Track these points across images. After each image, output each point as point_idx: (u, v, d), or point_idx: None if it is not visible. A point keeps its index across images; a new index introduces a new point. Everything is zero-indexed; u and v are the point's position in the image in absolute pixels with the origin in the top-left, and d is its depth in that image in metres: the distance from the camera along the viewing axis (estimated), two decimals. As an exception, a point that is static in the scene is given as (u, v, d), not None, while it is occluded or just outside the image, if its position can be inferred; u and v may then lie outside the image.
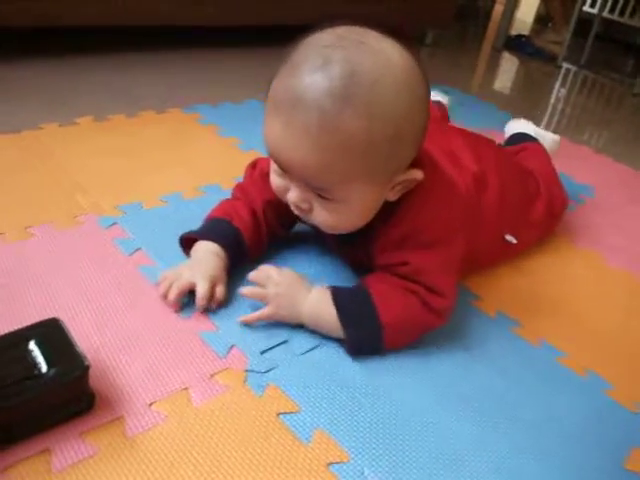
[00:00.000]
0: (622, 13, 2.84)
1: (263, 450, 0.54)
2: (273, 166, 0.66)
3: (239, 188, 0.81)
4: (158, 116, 1.21)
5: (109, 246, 0.77)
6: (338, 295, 0.67)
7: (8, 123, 1.06)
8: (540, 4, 3.61)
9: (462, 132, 0.96)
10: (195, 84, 1.46)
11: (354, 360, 0.66)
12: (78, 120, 1.13)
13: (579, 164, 1.40)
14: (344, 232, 0.68)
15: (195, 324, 0.66)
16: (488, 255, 0.86)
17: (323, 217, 0.65)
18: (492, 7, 3.47)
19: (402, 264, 0.68)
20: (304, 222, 0.72)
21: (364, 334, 0.66)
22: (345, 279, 0.77)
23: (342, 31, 0.61)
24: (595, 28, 2.74)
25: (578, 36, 2.61)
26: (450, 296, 0.69)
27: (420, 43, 2.36)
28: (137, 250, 0.77)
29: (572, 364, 0.73)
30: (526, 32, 3.10)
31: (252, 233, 0.75)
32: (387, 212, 0.68)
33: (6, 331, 0.55)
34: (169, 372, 0.60)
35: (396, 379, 0.65)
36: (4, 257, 0.72)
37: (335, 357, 0.66)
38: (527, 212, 0.92)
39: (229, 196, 0.81)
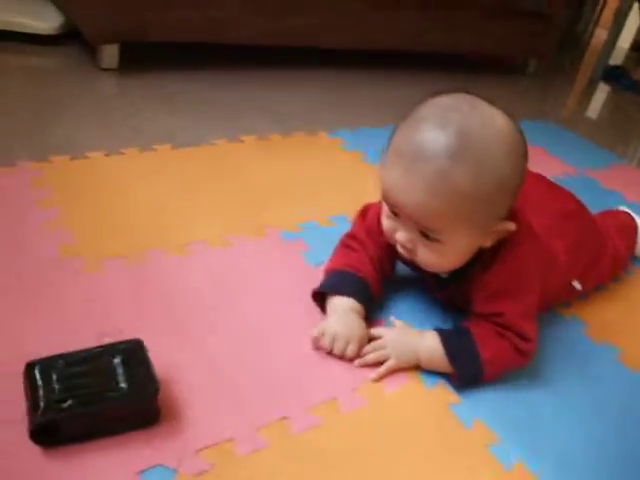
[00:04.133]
0: None
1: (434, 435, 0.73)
2: (385, 210, 0.77)
3: (353, 238, 0.89)
4: (308, 138, 1.42)
5: (297, 257, 0.98)
6: (446, 337, 0.78)
7: (175, 136, 1.27)
8: (638, 31, 3.58)
9: (544, 181, 1.05)
10: (331, 106, 1.66)
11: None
12: (243, 138, 1.34)
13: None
14: (442, 271, 0.81)
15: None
16: (555, 298, 0.95)
17: (426, 256, 0.76)
18: (592, 33, 3.47)
19: (497, 315, 0.79)
20: (407, 264, 0.86)
21: (469, 369, 0.78)
22: (442, 321, 0.89)
23: (458, 97, 0.74)
24: None
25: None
26: (534, 339, 0.80)
27: (522, 73, 2.48)
28: (321, 263, 0.96)
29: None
30: (620, 60, 3.14)
31: (375, 282, 0.85)
32: (482, 260, 0.79)
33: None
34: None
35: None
36: (215, 261, 0.92)
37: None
38: (596, 262, 1.00)
39: (340, 242, 0.91)
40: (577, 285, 0.96)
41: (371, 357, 0.78)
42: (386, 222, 0.78)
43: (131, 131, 1.26)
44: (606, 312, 1.03)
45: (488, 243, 0.77)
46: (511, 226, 0.77)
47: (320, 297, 0.84)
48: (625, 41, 3.52)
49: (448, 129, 0.69)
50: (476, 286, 0.81)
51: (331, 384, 0.75)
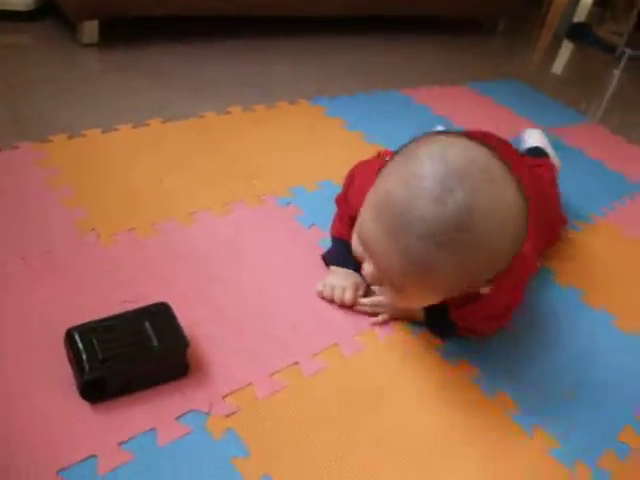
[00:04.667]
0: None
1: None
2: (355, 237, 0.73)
3: (345, 204, 0.94)
4: (291, 108, 1.49)
5: (293, 221, 1.06)
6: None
7: (164, 110, 1.32)
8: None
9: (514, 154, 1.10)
10: (310, 74, 1.72)
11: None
12: (230, 109, 1.41)
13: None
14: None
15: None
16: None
17: (389, 297, 0.74)
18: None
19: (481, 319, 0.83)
20: None
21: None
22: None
23: (472, 153, 0.61)
24: None
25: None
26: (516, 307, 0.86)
27: (492, 32, 2.55)
28: (312, 225, 1.05)
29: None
30: (584, 17, 3.23)
31: None
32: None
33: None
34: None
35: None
36: (220, 228, 1.00)
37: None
38: (550, 237, 1.07)
39: (337, 205, 0.98)
40: (537, 263, 0.99)
41: (366, 308, 0.87)
42: (358, 247, 0.72)
43: (121, 107, 1.31)
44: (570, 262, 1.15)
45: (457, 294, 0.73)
46: (485, 291, 0.71)
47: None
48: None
49: (446, 206, 0.58)
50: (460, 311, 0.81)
51: (334, 332, 0.85)
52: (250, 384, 0.74)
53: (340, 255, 0.92)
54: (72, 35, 1.56)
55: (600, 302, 1.05)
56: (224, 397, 0.72)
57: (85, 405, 0.67)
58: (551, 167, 1.24)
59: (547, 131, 1.61)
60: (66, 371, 0.69)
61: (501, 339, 0.90)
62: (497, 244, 0.62)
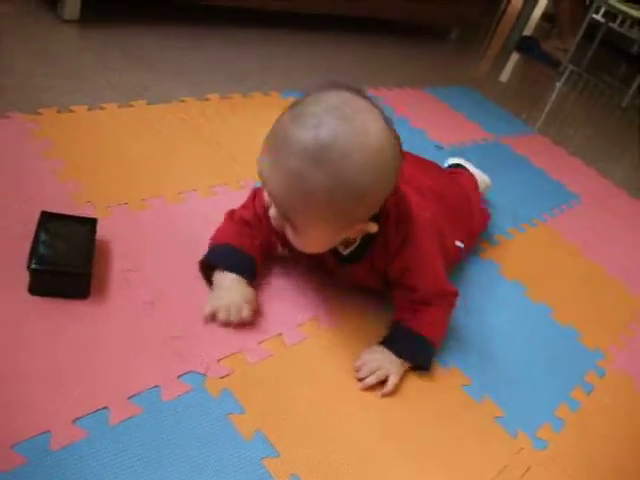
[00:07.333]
0: (622, 24, 3.18)
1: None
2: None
3: (241, 218, 0.92)
4: (264, 99, 1.56)
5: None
6: (387, 342, 0.88)
7: (147, 92, 1.37)
8: (548, 2, 3.86)
9: (424, 163, 1.20)
10: (280, 68, 1.80)
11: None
12: (209, 96, 1.47)
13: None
14: (313, 252, 0.84)
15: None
16: (446, 258, 0.99)
17: (292, 237, 0.80)
18: (508, 2, 3.72)
19: (412, 290, 0.89)
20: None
21: (422, 353, 0.90)
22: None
23: (346, 99, 0.72)
24: (600, 36, 3.05)
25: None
26: (453, 289, 0.93)
27: (444, 39, 2.69)
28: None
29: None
30: (532, 30, 3.42)
31: (259, 262, 0.90)
32: (379, 242, 0.86)
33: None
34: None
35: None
36: (205, 208, 1.07)
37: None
38: (469, 221, 1.15)
39: (228, 215, 0.95)
40: (459, 244, 1.07)
41: (372, 379, 0.84)
42: (265, 195, 0.81)
43: (103, 86, 1.34)
44: (515, 257, 1.29)
45: (354, 236, 0.84)
46: (373, 228, 0.81)
47: (206, 266, 0.89)
48: (536, 13, 3.80)
49: (318, 132, 0.69)
50: (379, 263, 0.89)
51: (313, 306, 0.95)
52: (241, 351, 0.83)
53: (236, 256, 0.88)
54: (52, 10, 1.57)
55: (540, 296, 1.20)
56: (219, 360, 0.80)
57: (96, 361, 0.74)
58: (470, 175, 1.33)
59: (497, 139, 1.76)
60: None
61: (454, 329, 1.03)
62: (359, 169, 0.71)
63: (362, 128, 0.71)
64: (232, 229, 0.92)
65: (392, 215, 0.85)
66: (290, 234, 0.80)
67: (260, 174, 0.77)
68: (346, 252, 0.90)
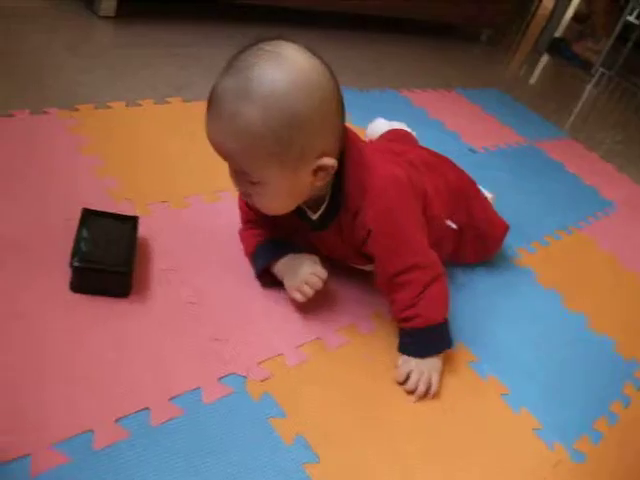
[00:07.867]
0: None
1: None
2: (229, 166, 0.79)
3: (245, 222, 0.96)
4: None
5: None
6: (404, 345, 0.88)
7: (183, 90, 1.36)
8: (580, 2, 3.79)
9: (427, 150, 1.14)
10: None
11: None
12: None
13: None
14: (281, 213, 0.82)
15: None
16: (436, 236, 0.95)
17: (258, 199, 0.79)
18: (539, 4, 3.66)
19: (403, 273, 0.85)
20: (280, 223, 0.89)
21: (440, 337, 0.89)
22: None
23: (269, 45, 0.73)
24: (634, 38, 2.99)
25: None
26: (436, 259, 0.88)
27: (475, 41, 2.66)
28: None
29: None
30: (562, 31, 3.37)
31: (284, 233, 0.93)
32: (347, 203, 0.83)
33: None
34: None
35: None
36: (203, 214, 1.02)
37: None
38: (464, 202, 1.07)
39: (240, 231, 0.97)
40: (452, 224, 1.03)
41: (422, 388, 0.84)
42: (231, 179, 0.81)
43: (138, 83, 1.34)
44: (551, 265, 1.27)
45: (319, 182, 0.79)
46: (329, 161, 0.76)
47: (266, 275, 0.91)
48: (569, 11, 3.74)
49: (242, 73, 0.71)
50: (353, 235, 0.85)
51: (352, 312, 0.94)
52: (281, 354, 0.82)
53: (269, 251, 0.91)
54: (88, 6, 1.57)
55: (576, 305, 1.18)
56: (259, 363, 0.79)
57: (137, 360, 0.74)
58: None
59: (532, 143, 1.73)
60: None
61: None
62: (286, 94, 0.70)
63: (285, 56, 0.72)
64: (249, 235, 0.94)
65: (351, 170, 0.82)
66: (255, 197, 0.79)
67: (209, 140, 0.76)
68: (315, 217, 0.87)
